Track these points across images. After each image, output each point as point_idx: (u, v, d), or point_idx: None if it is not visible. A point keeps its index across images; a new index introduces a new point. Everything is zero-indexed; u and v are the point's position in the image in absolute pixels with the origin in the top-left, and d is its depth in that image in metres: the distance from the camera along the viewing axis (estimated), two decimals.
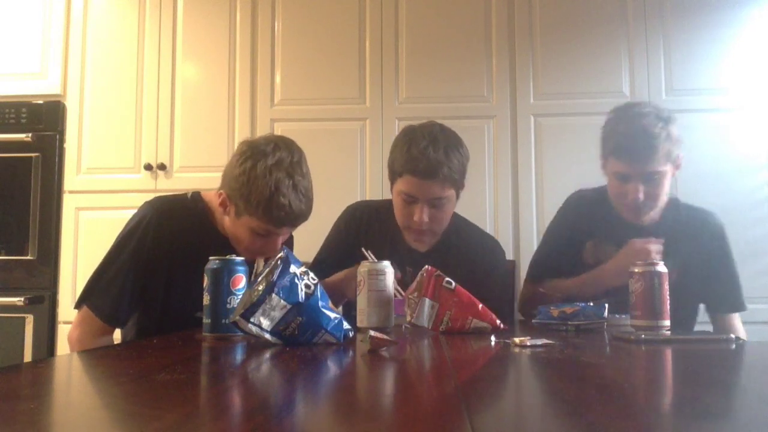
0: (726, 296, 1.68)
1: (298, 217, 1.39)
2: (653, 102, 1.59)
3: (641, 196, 1.54)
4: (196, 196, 1.54)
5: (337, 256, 1.69)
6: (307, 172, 1.42)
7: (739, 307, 1.68)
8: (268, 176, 1.34)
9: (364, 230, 1.72)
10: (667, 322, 1.28)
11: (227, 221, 1.47)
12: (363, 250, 1.51)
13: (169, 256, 1.44)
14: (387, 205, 1.71)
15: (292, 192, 1.35)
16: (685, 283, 1.58)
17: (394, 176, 1.60)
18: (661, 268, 1.30)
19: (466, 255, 1.64)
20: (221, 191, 1.44)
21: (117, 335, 1.53)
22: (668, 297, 1.29)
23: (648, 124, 1.52)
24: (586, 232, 1.69)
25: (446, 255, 1.62)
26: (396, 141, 1.61)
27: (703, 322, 1.80)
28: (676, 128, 1.55)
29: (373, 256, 1.46)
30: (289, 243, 1.67)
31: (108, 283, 1.40)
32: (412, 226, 1.58)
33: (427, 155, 1.48)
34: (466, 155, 1.58)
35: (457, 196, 1.60)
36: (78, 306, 1.42)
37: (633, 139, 1.52)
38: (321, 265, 1.67)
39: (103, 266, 1.43)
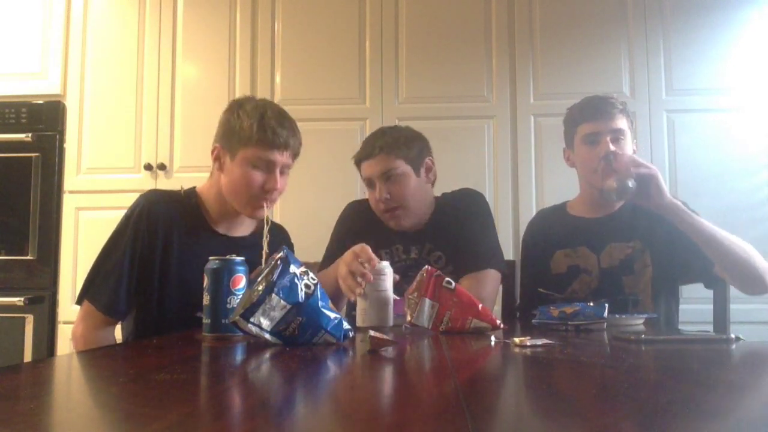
0: (701, 253, 1.58)
1: (288, 137, 1.44)
2: None
3: (612, 148, 1.62)
4: (190, 192, 1.57)
5: (345, 244, 1.69)
6: (295, 121, 1.50)
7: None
8: (255, 109, 1.46)
9: (367, 218, 1.80)
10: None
11: (224, 180, 1.49)
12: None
13: (162, 247, 1.45)
14: None
15: (279, 117, 1.46)
16: (662, 265, 1.65)
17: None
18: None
19: (452, 215, 1.75)
20: (214, 146, 1.51)
21: (118, 336, 1.54)
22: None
23: (603, 95, 1.71)
24: (550, 242, 1.77)
25: (439, 225, 1.74)
26: None
27: (702, 322, 1.80)
28: (628, 110, 1.71)
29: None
30: (288, 244, 1.68)
31: (106, 275, 1.42)
32: (378, 208, 1.72)
33: (369, 141, 1.74)
34: (414, 138, 1.75)
35: (416, 172, 1.71)
36: (79, 301, 1.44)
37: (595, 101, 1.70)
38: (333, 260, 1.67)
39: (101, 259, 1.45)
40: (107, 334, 1.44)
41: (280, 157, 1.45)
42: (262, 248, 1.48)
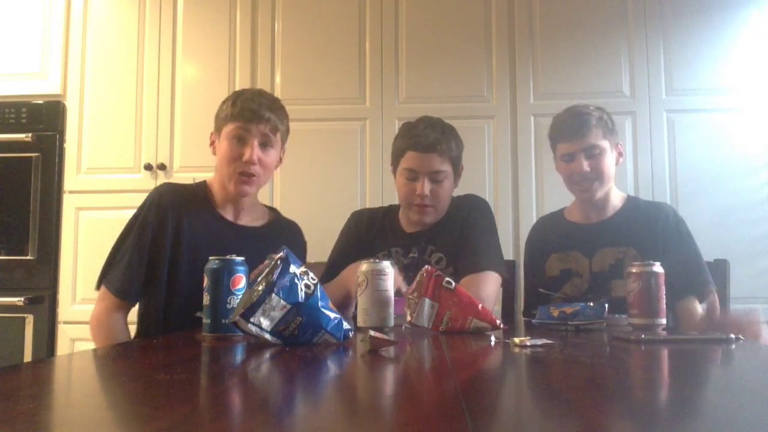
0: (689, 278, 1.63)
1: (262, 110, 1.53)
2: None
3: (586, 167, 1.69)
4: (201, 182, 1.66)
5: (351, 255, 1.70)
6: (279, 101, 1.61)
7: (704, 286, 1.63)
8: (237, 91, 1.61)
9: (367, 227, 1.83)
10: (663, 320, 1.32)
11: (216, 160, 1.60)
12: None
13: (172, 230, 1.53)
14: (383, 208, 1.92)
15: (258, 95, 1.57)
16: None
17: (397, 159, 1.74)
18: (658, 268, 1.33)
19: (456, 218, 1.76)
20: (211, 133, 1.63)
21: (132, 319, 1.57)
22: (664, 295, 1.32)
23: (580, 108, 1.74)
24: (546, 247, 1.82)
25: (442, 227, 1.75)
26: (397, 132, 1.78)
27: None
28: (609, 118, 1.75)
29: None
30: (299, 241, 1.74)
31: (119, 260, 1.52)
32: (414, 201, 1.70)
33: (426, 133, 1.67)
34: (460, 141, 1.75)
35: (454, 178, 1.74)
36: (98, 286, 1.54)
37: (569, 120, 1.73)
38: (336, 269, 1.68)
39: (116, 246, 1.55)
40: (120, 316, 1.52)
41: (255, 128, 1.53)
42: (274, 240, 1.54)
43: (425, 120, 1.73)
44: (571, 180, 1.75)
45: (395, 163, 1.75)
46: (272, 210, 1.78)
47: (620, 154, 1.76)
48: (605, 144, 1.70)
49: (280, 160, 1.68)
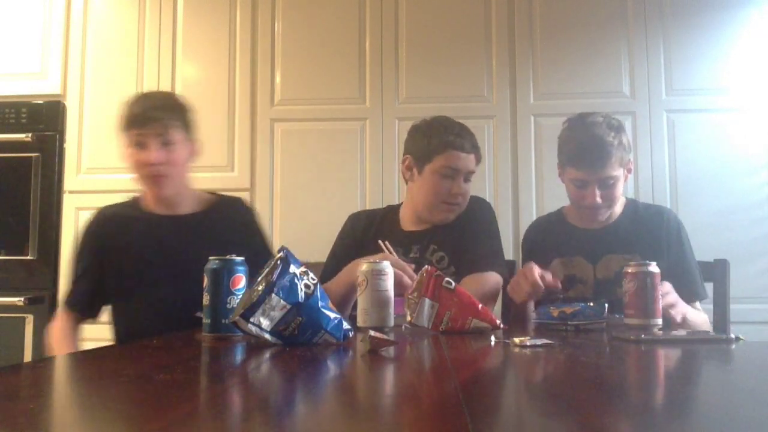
0: (683, 285, 1.59)
1: (148, 113, 1.55)
2: (604, 112, 1.73)
3: (599, 200, 1.64)
4: (136, 195, 1.72)
5: (348, 258, 1.69)
6: (171, 97, 1.69)
7: (695, 295, 1.64)
8: (133, 95, 1.65)
9: (365, 229, 1.82)
10: (659, 320, 1.31)
11: None
12: (381, 242, 1.60)
13: (108, 247, 1.63)
14: (382, 209, 1.94)
15: (143, 99, 1.63)
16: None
17: (430, 156, 1.70)
18: (654, 268, 1.32)
19: (458, 218, 1.75)
20: None
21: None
22: (660, 296, 1.31)
23: (601, 134, 1.61)
24: (548, 250, 1.77)
25: (444, 227, 1.74)
26: (423, 129, 1.74)
27: None
28: (625, 136, 1.67)
29: (389, 248, 1.57)
30: (243, 219, 1.74)
31: (71, 280, 1.67)
32: (449, 199, 1.71)
33: (464, 134, 1.71)
34: None
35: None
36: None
37: (588, 148, 1.62)
38: (332, 272, 1.68)
39: (70, 269, 1.70)
40: (66, 323, 1.64)
41: (146, 131, 1.55)
42: (209, 226, 1.62)
43: (453, 121, 1.74)
44: (579, 205, 1.70)
45: (426, 160, 1.71)
46: (214, 195, 1.77)
47: (629, 171, 1.71)
48: (620, 172, 1.64)
49: (195, 150, 1.67)
